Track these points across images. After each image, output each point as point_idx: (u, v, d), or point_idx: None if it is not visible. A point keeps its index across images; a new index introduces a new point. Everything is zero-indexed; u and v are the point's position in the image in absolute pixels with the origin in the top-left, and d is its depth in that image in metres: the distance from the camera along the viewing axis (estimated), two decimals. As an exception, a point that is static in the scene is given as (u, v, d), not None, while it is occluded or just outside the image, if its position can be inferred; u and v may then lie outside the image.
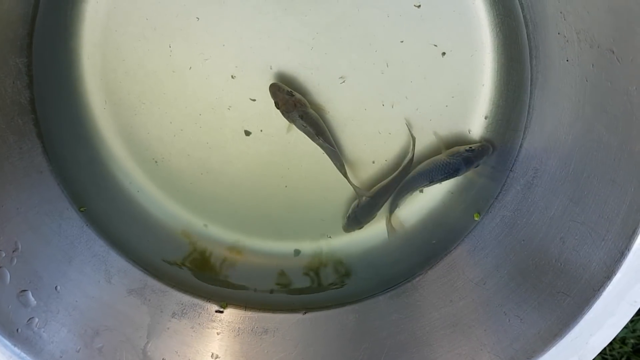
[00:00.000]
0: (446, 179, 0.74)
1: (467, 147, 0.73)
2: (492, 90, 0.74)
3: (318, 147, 0.74)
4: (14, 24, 0.71)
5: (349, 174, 0.75)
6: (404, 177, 0.75)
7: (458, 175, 0.74)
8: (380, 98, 0.74)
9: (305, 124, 0.73)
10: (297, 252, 0.79)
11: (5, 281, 0.63)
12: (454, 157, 0.72)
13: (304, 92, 0.74)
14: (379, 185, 0.76)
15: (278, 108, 0.72)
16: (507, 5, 0.71)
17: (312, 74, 0.74)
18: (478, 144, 0.73)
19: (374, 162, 0.76)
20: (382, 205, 0.76)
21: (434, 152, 0.75)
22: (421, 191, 0.77)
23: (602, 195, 0.56)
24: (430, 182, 0.74)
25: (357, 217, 0.76)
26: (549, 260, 0.61)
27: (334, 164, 0.75)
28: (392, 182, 0.75)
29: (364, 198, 0.75)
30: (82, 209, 0.75)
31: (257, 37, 0.73)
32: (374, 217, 0.77)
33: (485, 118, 0.75)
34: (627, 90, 0.52)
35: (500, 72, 0.73)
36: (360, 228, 0.77)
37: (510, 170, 0.74)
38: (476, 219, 0.75)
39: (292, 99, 0.72)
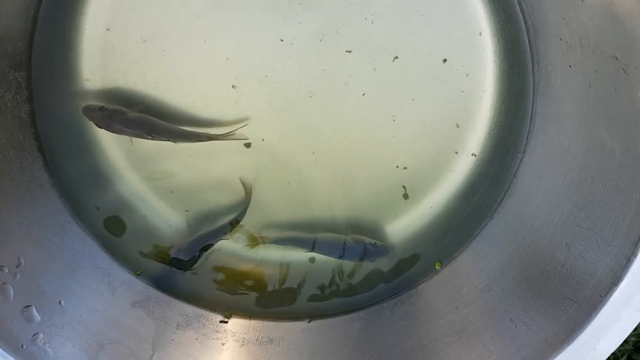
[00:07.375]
0: (336, 257, 0.76)
1: (372, 241, 0.76)
2: (494, 97, 0.74)
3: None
4: (13, 39, 0.70)
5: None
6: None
7: (345, 259, 0.77)
8: (382, 104, 0.74)
9: (129, 129, 0.71)
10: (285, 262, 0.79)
11: (9, 297, 0.62)
12: (357, 244, 0.75)
13: (303, 98, 0.73)
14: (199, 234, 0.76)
15: (101, 128, 0.71)
16: (508, 11, 0.71)
17: (312, 82, 0.73)
18: (381, 243, 0.76)
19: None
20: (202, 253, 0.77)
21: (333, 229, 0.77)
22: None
23: (607, 201, 0.56)
24: (316, 251, 0.77)
25: (180, 262, 0.77)
26: (554, 266, 0.61)
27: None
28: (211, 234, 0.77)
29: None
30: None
31: (257, 47, 0.73)
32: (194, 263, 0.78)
33: (488, 125, 0.75)
34: (631, 97, 0.52)
35: (502, 78, 0.73)
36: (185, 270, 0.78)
37: (514, 176, 0.74)
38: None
39: (106, 113, 0.70)
